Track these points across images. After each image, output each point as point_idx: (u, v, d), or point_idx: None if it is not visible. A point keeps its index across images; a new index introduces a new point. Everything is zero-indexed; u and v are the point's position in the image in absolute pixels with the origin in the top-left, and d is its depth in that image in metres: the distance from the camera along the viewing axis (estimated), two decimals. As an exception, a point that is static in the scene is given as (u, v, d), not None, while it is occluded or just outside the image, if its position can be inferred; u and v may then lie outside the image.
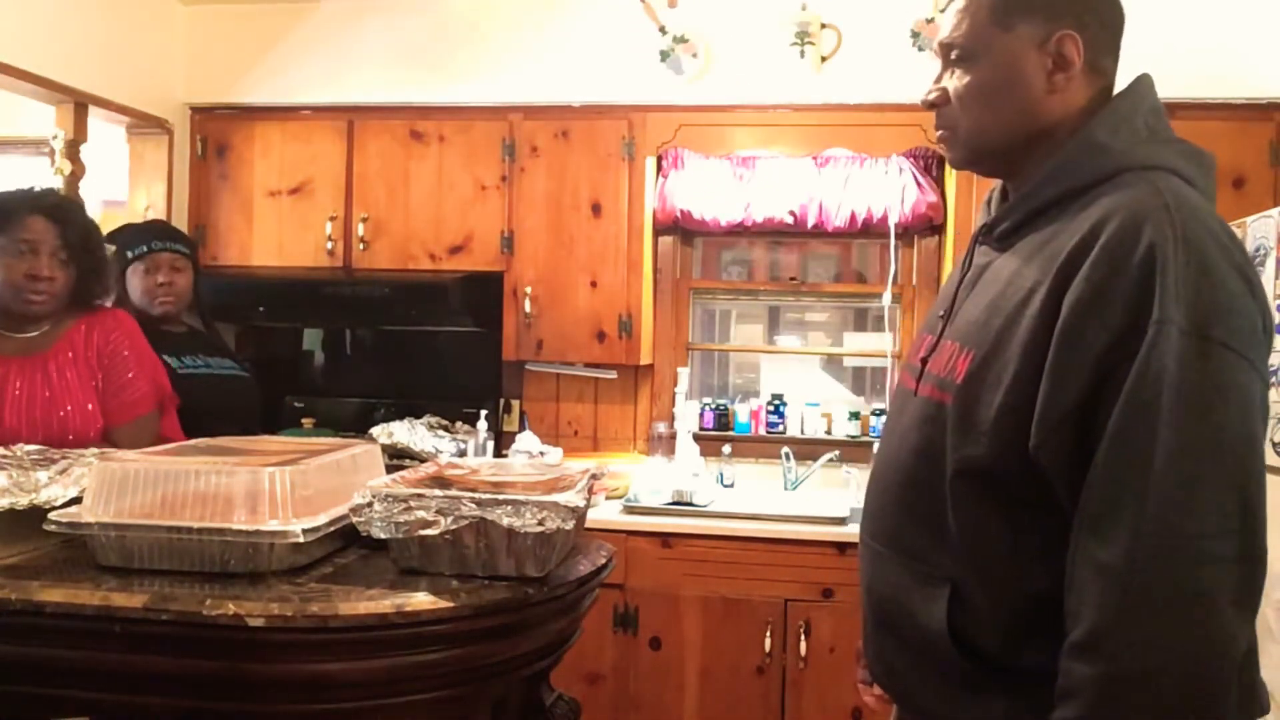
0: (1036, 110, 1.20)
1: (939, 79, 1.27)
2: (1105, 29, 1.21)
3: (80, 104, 3.21)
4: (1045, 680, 1.07)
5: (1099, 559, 1.02)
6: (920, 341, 1.34)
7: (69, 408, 2.10)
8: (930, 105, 1.28)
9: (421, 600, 1.31)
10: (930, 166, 3.44)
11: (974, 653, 1.15)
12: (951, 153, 1.29)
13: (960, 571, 1.16)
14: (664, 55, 3.37)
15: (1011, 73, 1.20)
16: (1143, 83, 1.22)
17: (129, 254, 2.76)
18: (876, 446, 1.47)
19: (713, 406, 3.65)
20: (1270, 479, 2.35)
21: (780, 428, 3.62)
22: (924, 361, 1.27)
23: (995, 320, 1.15)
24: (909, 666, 1.24)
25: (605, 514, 3.06)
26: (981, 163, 1.29)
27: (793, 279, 3.80)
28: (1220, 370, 1.02)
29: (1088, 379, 1.04)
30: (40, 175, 3.34)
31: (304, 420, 3.62)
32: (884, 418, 1.41)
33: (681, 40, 3.36)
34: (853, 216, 3.40)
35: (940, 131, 1.29)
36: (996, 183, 1.35)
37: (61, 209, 2.21)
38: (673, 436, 3.44)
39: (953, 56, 1.24)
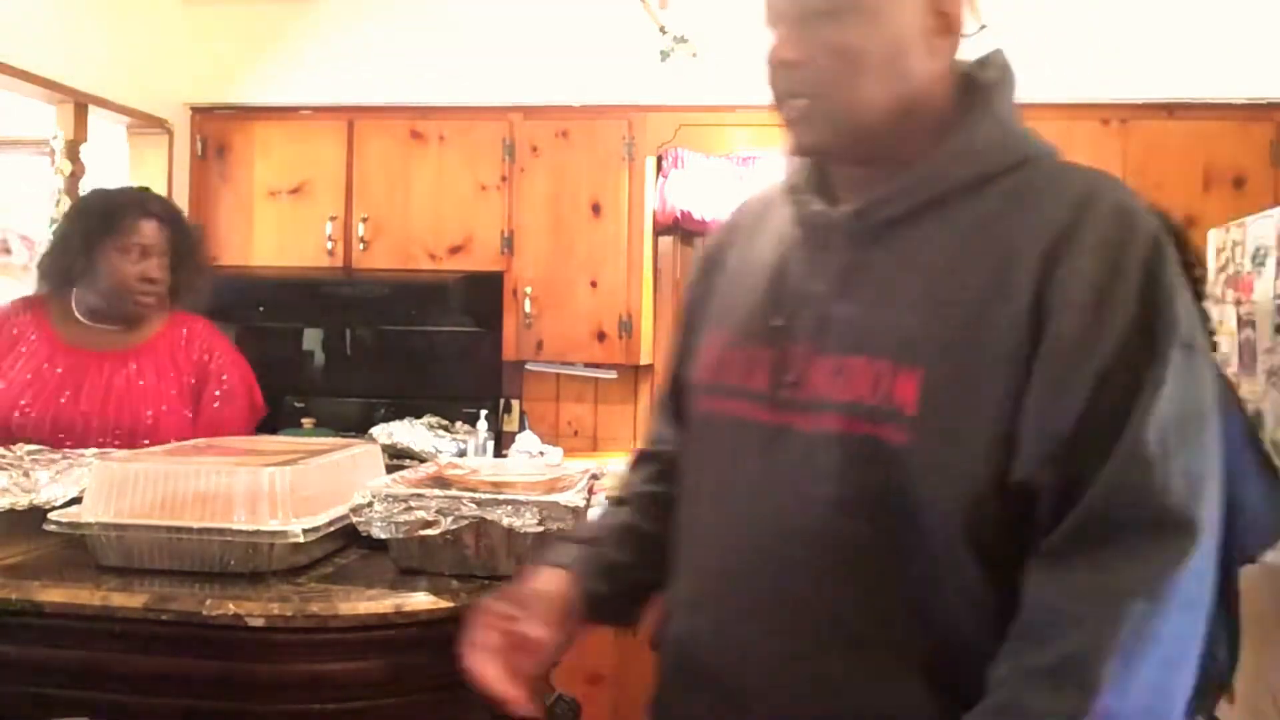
0: (916, 80, 0.99)
1: (791, 33, 0.99)
2: None
3: (80, 104, 3.21)
4: None
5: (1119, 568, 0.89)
6: (743, 358, 1.04)
7: (145, 409, 2.13)
8: (783, 64, 1.00)
9: (421, 600, 1.31)
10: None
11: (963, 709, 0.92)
12: (811, 131, 1.00)
13: (951, 639, 0.93)
14: (664, 55, 3.36)
15: (894, 32, 0.97)
16: (1003, 55, 1.04)
17: None
18: (691, 502, 1.10)
19: (713, 406, 3.63)
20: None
21: (780, 428, 3.60)
22: (789, 385, 0.99)
23: (936, 328, 0.94)
24: None
25: (605, 514, 3.05)
26: (851, 146, 1.01)
27: (793, 279, 3.78)
28: (1204, 372, 0.95)
29: (1091, 387, 0.90)
30: (40, 175, 3.34)
31: (304, 420, 3.63)
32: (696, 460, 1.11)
33: (681, 40, 3.36)
34: (853, 216, 3.39)
35: (793, 100, 1.00)
36: (800, 165, 1.09)
37: (170, 212, 2.28)
38: (673, 436, 3.43)
39: (813, 6, 0.97)
